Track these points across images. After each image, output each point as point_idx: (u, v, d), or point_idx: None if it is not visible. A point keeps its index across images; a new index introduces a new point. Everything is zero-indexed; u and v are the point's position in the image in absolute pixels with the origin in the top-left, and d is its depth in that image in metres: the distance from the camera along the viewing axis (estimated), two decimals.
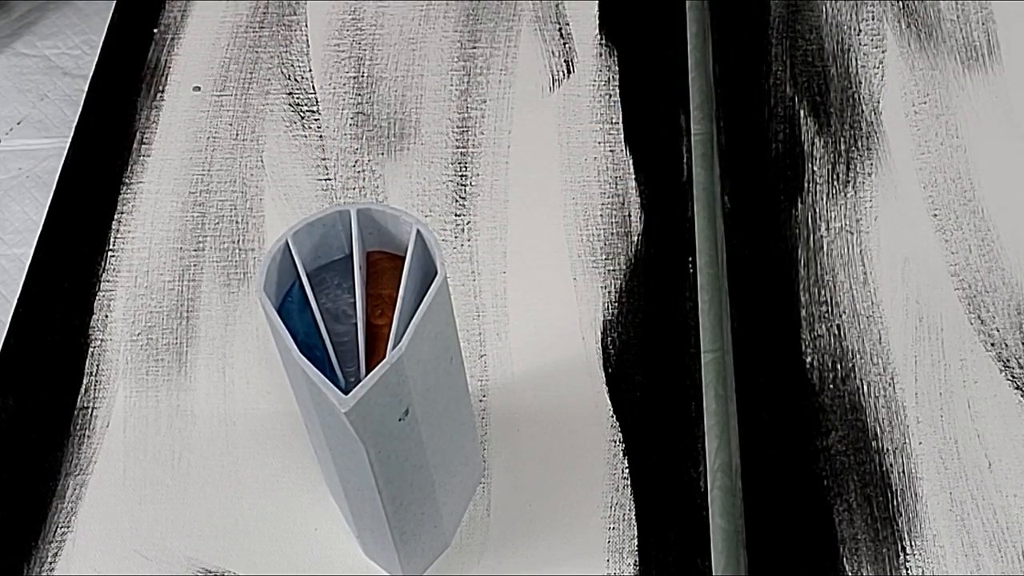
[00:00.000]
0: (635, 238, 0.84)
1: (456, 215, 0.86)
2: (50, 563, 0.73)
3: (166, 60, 0.96)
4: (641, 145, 0.89)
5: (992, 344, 0.78)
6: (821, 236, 0.83)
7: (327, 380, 0.57)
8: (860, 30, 0.93)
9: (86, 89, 0.96)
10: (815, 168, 0.86)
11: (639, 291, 0.82)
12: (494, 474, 0.75)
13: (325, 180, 0.89)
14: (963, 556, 0.70)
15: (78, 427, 0.78)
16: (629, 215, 0.85)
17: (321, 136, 0.91)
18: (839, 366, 0.77)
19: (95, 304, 0.84)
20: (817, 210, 0.84)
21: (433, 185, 0.88)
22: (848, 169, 0.86)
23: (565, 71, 0.93)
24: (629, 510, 0.73)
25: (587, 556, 0.72)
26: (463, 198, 0.87)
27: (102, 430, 0.78)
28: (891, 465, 0.73)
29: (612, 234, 0.84)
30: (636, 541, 0.72)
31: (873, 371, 0.77)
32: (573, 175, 0.88)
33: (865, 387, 0.76)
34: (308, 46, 0.96)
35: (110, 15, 1.01)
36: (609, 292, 0.82)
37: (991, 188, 0.84)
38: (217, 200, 0.88)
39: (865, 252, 0.82)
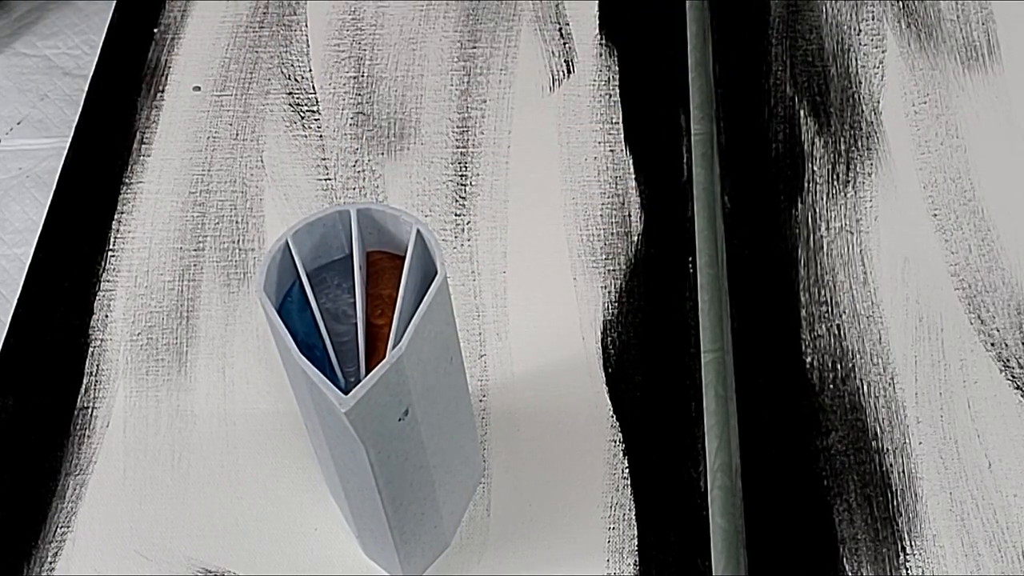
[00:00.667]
0: (635, 238, 0.84)
1: (456, 215, 0.86)
2: (50, 563, 0.73)
3: (166, 60, 0.96)
4: (641, 145, 0.89)
5: (992, 344, 0.78)
6: (821, 236, 0.83)
7: (327, 380, 0.57)
8: (860, 30, 0.93)
9: (86, 89, 0.96)
10: (815, 168, 0.86)
11: (639, 291, 0.82)
12: (494, 474, 0.75)
13: (325, 180, 0.89)
14: (963, 556, 0.70)
15: (78, 427, 0.78)
16: (629, 215, 0.85)
17: (321, 136, 0.91)
18: (839, 366, 0.77)
19: (95, 304, 0.84)
20: (817, 210, 0.84)
21: (433, 185, 0.88)
22: (848, 169, 0.86)
23: (565, 71, 0.93)
24: (629, 510, 0.73)
25: (587, 556, 0.72)
26: (463, 198, 0.87)
27: (102, 430, 0.78)
28: (891, 465, 0.73)
29: (612, 234, 0.84)
30: (636, 541, 0.72)
31: (873, 371, 0.77)
32: (573, 175, 0.88)
33: (865, 387, 0.76)
34: (308, 46, 0.96)
35: (110, 15, 1.01)
36: (609, 292, 0.82)
37: (991, 188, 0.84)
38: (217, 200, 0.88)
39: (865, 252, 0.82)
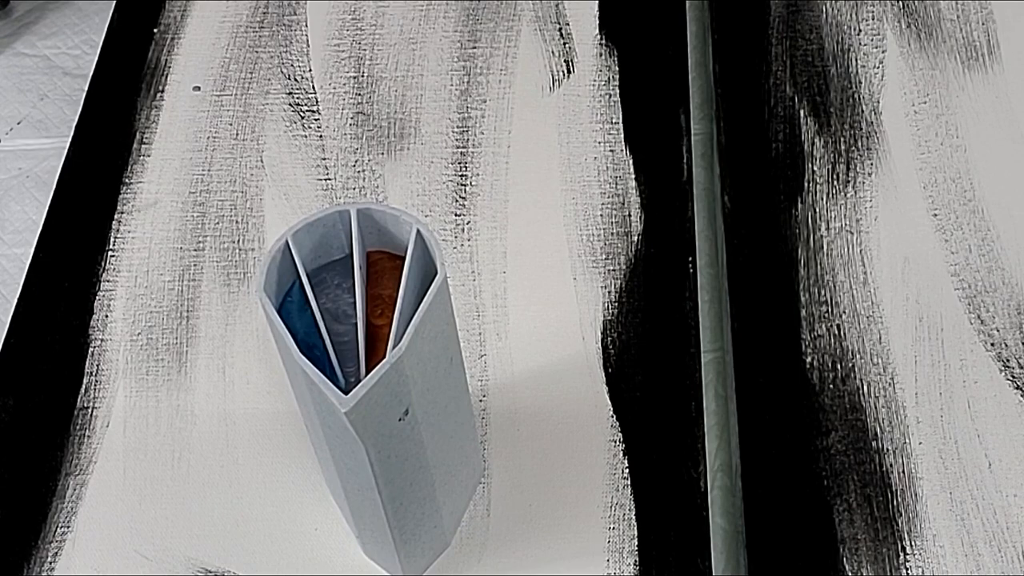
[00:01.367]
0: (635, 238, 0.84)
1: (456, 215, 0.86)
2: (50, 563, 0.73)
3: (166, 60, 0.96)
4: (641, 145, 0.89)
5: (992, 344, 0.78)
6: (821, 236, 0.83)
7: (327, 380, 0.57)
8: (860, 30, 0.93)
9: (86, 89, 0.96)
10: (815, 168, 0.86)
11: (639, 291, 0.82)
12: (494, 474, 0.75)
13: (325, 180, 0.89)
14: (963, 556, 0.70)
15: (78, 427, 0.78)
16: (629, 215, 0.85)
17: (321, 136, 0.91)
18: (839, 366, 0.77)
19: (95, 304, 0.84)
20: (817, 210, 0.84)
21: (433, 185, 0.88)
22: (848, 169, 0.86)
23: (565, 71, 0.93)
24: (629, 510, 0.73)
25: (587, 556, 0.72)
26: (463, 198, 0.87)
27: (102, 430, 0.78)
28: (891, 465, 0.73)
29: (612, 234, 0.84)
30: (636, 541, 0.72)
31: (873, 371, 0.77)
32: (573, 175, 0.88)
33: (865, 387, 0.76)
34: (308, 46, 0.96)
35: (110, 15, 1.01)
36: (609, 292, 0.82)
37: (991, 188, 0.84)
38: (217, 200, 0.88)
39: (865, 252, 0.82)
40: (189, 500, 0.75)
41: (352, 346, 0.62)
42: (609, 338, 0.80)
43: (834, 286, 0.81)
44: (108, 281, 0.85)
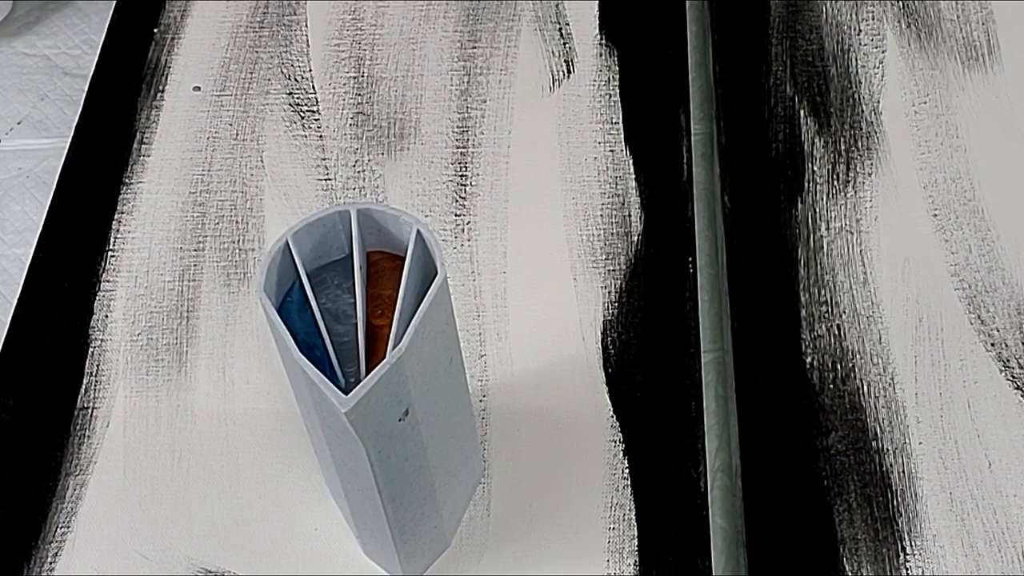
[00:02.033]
0: (635, 238, 0.84)
1: (456, 215, 0.86)
2: (50, 563, 0.73)
3: (166, 60, 0.96)
4: (641, 145, 0.89)
5: (992, 344, 0.78)
6: (821, 236, 0.83)
7: (327, 380, 0.57)
8: (860, 30, 0.93)
9: (86, 89, 0.96)
10: (815, 168, 0.86)
11: (639, 291, 0.82)
12: (494, 474, 0.75)
13: (325, 180, 0.89)
14: (963, 556, 0.70)
15: (78, 427, 0.78)
16: (629, 215, 0.85)
17: (321, 136, 0.91)
18: (839, 366, 0.77)
19: (95, 304, 0.84)
20: (817, 210, 0.84)
21: (433, 185, 0.88)
22: (848, 169, 0.86)
23: (565, 71, 0.93)
24: (629, 510, 0.73)
25: (587, 556, 0.72)
26: (463, 198, 0.87)
27: (102, 430, 0.78)
28: (891, 465, 0.73)
29: (612, 234, 0.84)
30: (636, 541, 0.72)
31: (873, 371, 0.77)
32: (573, 175, 0.88)
33: (865, 387, 0.76)
34: (308, 46, 0.96)
35: (110, 15, 1.01)
36: (609, 292, 0.82)
37: (991, 188, 0.84)
38: (217, 200, 0.88)
39: (865, 252, 0.82)
40: (189, 500, 0.75)
41: (352, 346, 0.62)
42: (609, 338, 0.80)
43: (834, 286, 0.81)
44: (108, 281, 0.85)
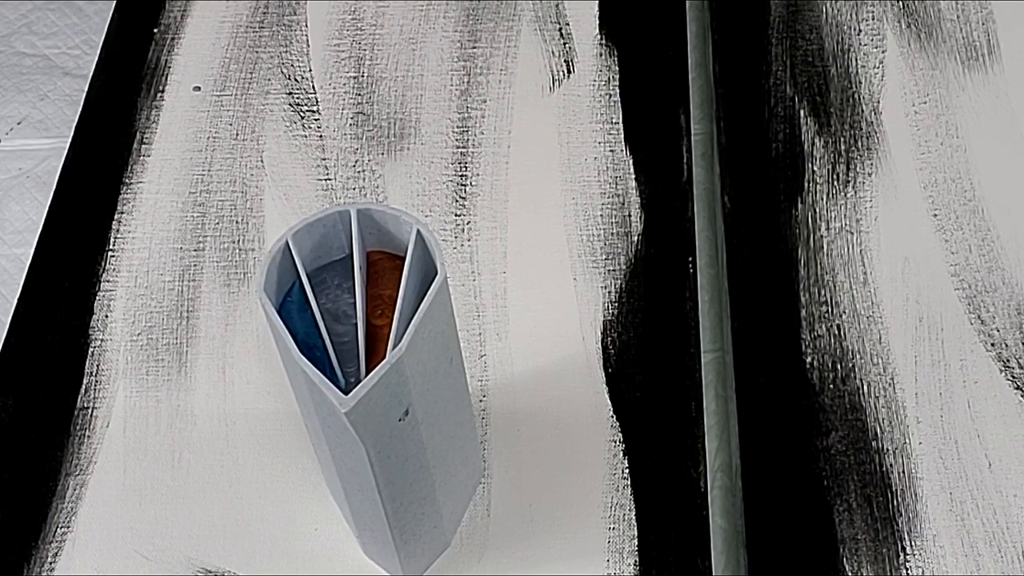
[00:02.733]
0: (635, 238, 0.84)
1: (456, 215, 0.86)
2: (50, 563, 0.73)
3: (166, 60, 0.96)
4: (641, 145, 0.89)
5: (992, 344, 0.78)
6: (821, 236, 0.83)
7: (327, 380, 0.57)
8: (860, 30, 0.93)
9: (86, 89, 0.96)
10: (815, 168, 0.86)
11: (639, 291, 0.82)
12: (494, 474, 0.75)
13: (325, 180, 0.89)
14: (963, 556, 0.70)
15: (78, 427, 0.78)
16: (629, 215, 0.85)
17: (321, 136, 0.91)
18: (839, 366, 0.77)
19: (95, 304, 0.84)
20: (817, 210, 0.84)
21: (433, 185, 0.88)
22: (848, 169, 0.86)
23: (565, 71, 0.93)
24: (629, 510, 0.73)
25: (587, 556, 0.72)
26: (463, 198, 0.87)
27: (102, 430, 0.78)
28: (891, 465, 0.73)
29: (612, 234, 0.84)
30: (636, 541, 0.72)
31: (873, 371, 0.77)
32: (573, 175, 0.88)
33: (865, 387, 0.76)
34: (308, 46, 0.96)
35: (110, 15, 1.01)
36: (609, 292, 0.82)
37: (991, 188, 0.84)
38: (217, 200, 0.88)
39: (865, 252, 0.82)
40: (189, 500, 0.75)
41: (352, 346, 0.62)
42: (609, 338, 0.80)
43: (834, 286, 0.81)
44: (108, 281, 0.85)
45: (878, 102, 0.89)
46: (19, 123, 1.37)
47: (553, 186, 0.87)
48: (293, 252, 0.62)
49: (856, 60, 0.92)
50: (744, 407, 0.76)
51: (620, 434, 0.76)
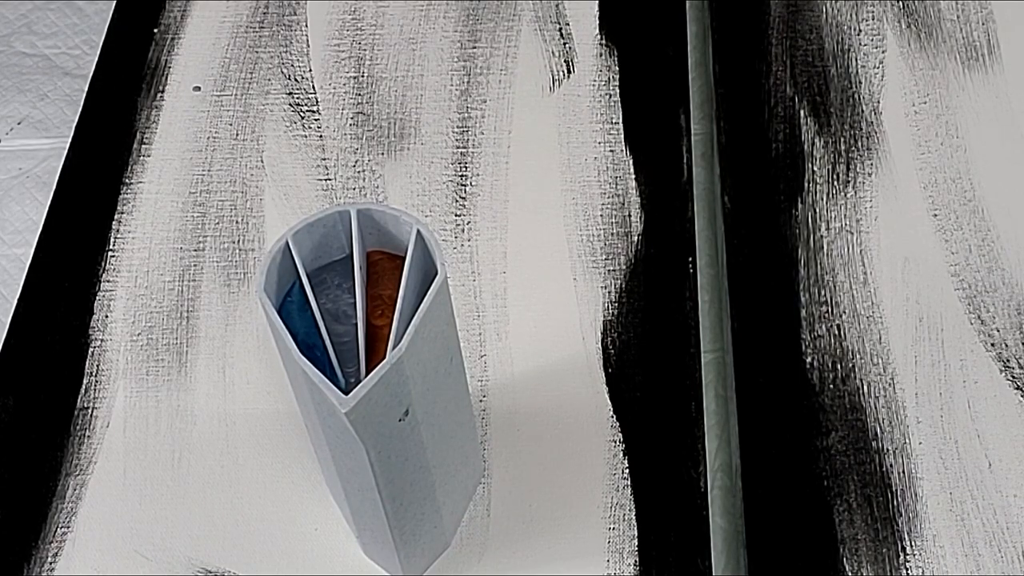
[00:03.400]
0: (635, 238, 0.84)
1: (456, 215, 0.86)
2: (50, 563, 0.73)
3: (166, 60, 0.96)
4: (641, 145, 0.89)
5: (992, 344, 0.78)
6: (821, 236, 0.83)
7: (327, 380, 0.57)
8: (860, 30, 0.93)
9: (86, 89, 0.96)
10: (815, 168, 0.86)
11: (639, 291, 0.82)
12: (494, 474, 0.75)
13: (325, 180, 0.89)
14: (963, 556, 0.70)
15: (78, 427, 0.78)
16: (629, 215, 0.85)
17: (321, 136, 0.91)
18: (839, 366, 0.77)
19: (95, 304, 0.84)
20: (817, 210, 0.84)
21: (433, 185, 0.88)
22: (848, 169, 0.86)
23: (565, 71, 0.93)
24: (629, 510, 0.73)
25: (587, 556, 0.72)
26: (463, 198, 0.87)
27: (102, 430, 0.78)
28: (891, 465, 0.73)
29: (612, 234, 0.84)
30: (636, 541, 0.72)
31: (873, 371, 0.77)
32: (573, 175, 0.88)
33: (865, 387, 0.76)
34: (308, 46, 0.96)
35: (110, 15, 1.01)
36: (609, 292, 0.82)
37: (991, 188, 0.84)
38: (217, 200, 0.88)
39: (865, 252, 0.82)
40: (189, 500, 0.75)
41: (352, 346, 0.62)
42: (609, 338, 0.80)
43: (834, 286, 0.81)
44: (108, 281, 0.85)
45: (878, 102, 0.89)
46: (19, 123, 1.37)
47: (553, 186, 0.87)
48: (293, 252, 0.62)
49: (856, 60, 0.92)
50: (744, 407, 0.76)
51: (620, 434, 0.76)
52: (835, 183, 0.85)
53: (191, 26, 0.98)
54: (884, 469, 0.73)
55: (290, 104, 0.93)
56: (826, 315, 0.79)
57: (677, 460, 0.75)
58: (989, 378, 0.76)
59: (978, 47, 0.92)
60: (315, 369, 0.57)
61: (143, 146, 0.92)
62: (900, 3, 0.95)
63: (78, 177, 0.91)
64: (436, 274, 0.60)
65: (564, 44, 0.95)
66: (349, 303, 0.63)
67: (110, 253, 0.86)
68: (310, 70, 0.95)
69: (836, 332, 0.79)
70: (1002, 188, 0.84)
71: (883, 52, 0.92)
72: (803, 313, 0.80)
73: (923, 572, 0.70)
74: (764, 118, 0.89)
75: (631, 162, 0.88)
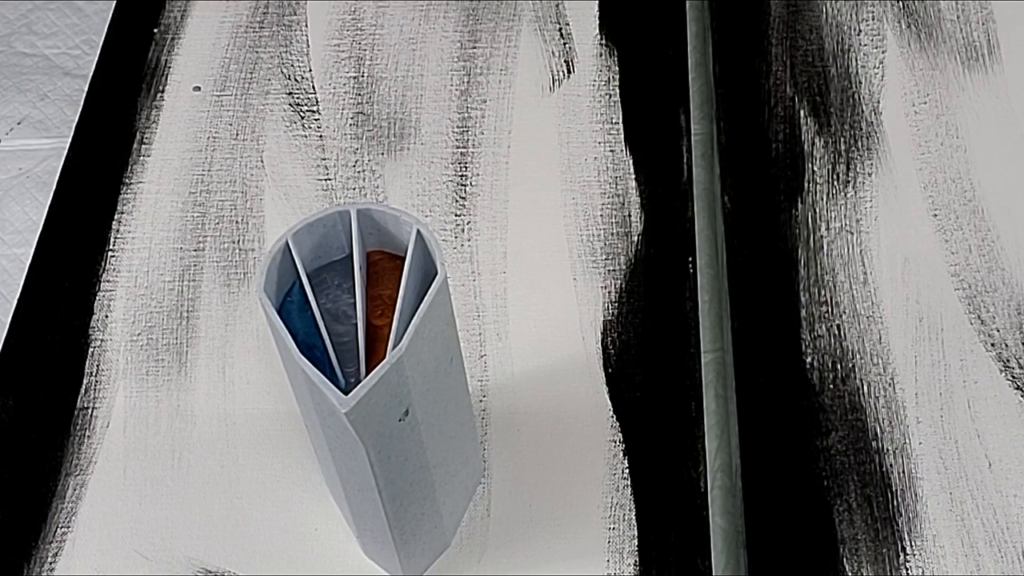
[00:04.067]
0: (635, 238, 0.84)
1: (456, 215, 0.86)
2: (50, 563, 0.73)
3: (166, 60, 0.96)
4: (641, 145, 0.89)
5: (992, 344, 0.78)
6: (821, 236, 0.83)
7: (327, 380, 0.57)
8: (860, 30, 0.93)
9: (86, 89, 0.96)
10: (815, 168, 0.86)
11: (639, 291, 0.82)
12: (494, 474, 0.75)
13: (325, 180, 0.89)
14: (963, 556, 0.70)
15: (78, 427, 0.78)
16: (629, 215, 0.85)
17: (321, 136, 0.91)
18: (839, 366, 0.77)
19: (95, 304, 0.84)
20: (817, 210, 0.84)
21: (433, 185, 0.88)
22: (848, 169, 0.86)
23: (565, 71, 0.93)
24: (629, 510, 0.73)
25: (587, 556, 0.72)
26: (463, 198, 0.87)
27: (102, 430, 0.78)
28: (891, 465, 0.73)
29: (612, 234, 0.84)
30: (636, 541, 0.72)
31: (873, 371, 0.77)
32: (573, 175, 0.88)
33: (865, 387, 0.76)
34: (308, 46, 0.96)
35: (110, 15, 1.01)
36: (609, 292, 0.82)
37: (991, 188, 0.84)
38: (217, 200, 0.88)
39: (865, 252, 0.82)
40: (189, 500, 0.75)
41: (352, 346, 0.62)
42: (609, 338, 0.80)
43: (834, 286, 0.81)
44: (108, 281, 0.85)
45: (878, 102, 0.89)
46: (19, 123, 1.37)
47: (553, 186, 0.87)
48: (293, 252, 0.62)
49: (856, 60, 0.92)
50: (744, 407, 0.76)
51: (620, 434, 0.76)
52: (835, 183, 0.86)
53: (191, 26, 0.98)
54: (884, 469, 0.73)
55: (290, 104, 0.93)
56: (826, 315, 0.79)
57: (677, 460, 0.75)
58: (989, 378, 0.76)
59: (978, 47, 0.92)
60: (315, 369, 0.57)
61: (143, 146, 0.92)
62: (900, 3, 0.95)
63: (78, 177, 0.91)
64: (436, 274, 0.60)
65: (564, 44, 0.95)
66: (349, 303, 0.63)
67: (110, 253, 0.86)
68: (310, 70, 0.95)
69: (836, 332, 0.79)
70: (1002, 188, 0.84)
71: (883, 52, 0.92)
72: (803, 313, 0.80)
73: (923, 572, 0.70)
74: (764, 118, 0.89)
75: (631, 162, 0.88)
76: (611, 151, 0.89)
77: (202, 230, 0.87)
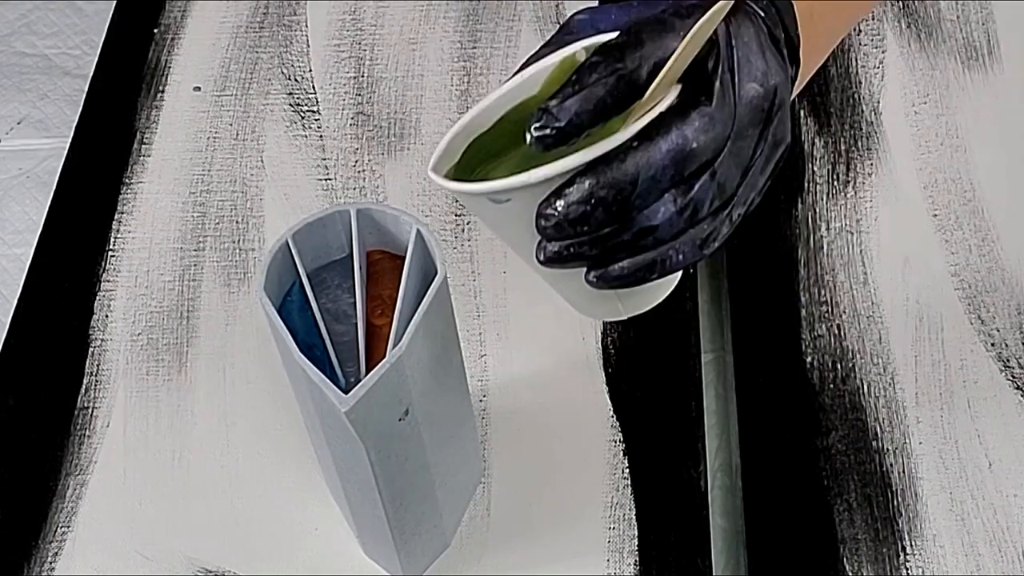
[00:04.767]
0: None
1: (456, 215, 0.86)
2: (50, 563, 0.73)
3: (166, 60, 0.96)
4: None
5: (992, 344, 0.78)
6: (821, 236, 0.83)
7: (327, 380, 0.57)
8: (860, 30, 0.93)
9: (86, 89, 0.96)
10: (815, 168, 0.86)
11: None
12: (494, 474, 0.75)
13: (325, 180, 0.89)
14: (963, 556, 0.70)
15: (78, 427, 0.78)
16: None
17: (321, 136, 0.91)
18: (839, 366, 0.77)
19: (95, 304, 0.84)
20: (817, 210, 0.84)
21: (433, 185, 0.88)
22: (848, 169, 0.86)
23: None
24: (629, 510, 0.73)
25: (587, 556, 0.72)
26: None
27: (102, 430, 0.78)
28: (891, 465, 0.73)
29: None
30: (636, 541, 0.72)
31: (873, 371, 0.77)
32: None
33: (865, 387, 0.76)
34: (308, 46, 0.96)
35: (110, 15, 1.00)
36: None
37: (991, 188, 0.84)
38: (217, 200, 0.88)
39: (865, 252, 0.82)
40: (189, 500, 0.75)
41: (352, 346, 0.62)
42: (609, 338, 0.80)
43: (834, 286, 0.81)
44: (108, 281, 0.85)
45: (878, 102, 0.89)
46: (19, 123, 1.37)
47: None
48: (293, 252, 0.62)
49: (856, 60, 0.92)
50: (744, 407, 0.76)
51: (620, 434, 0.76)
52: (835, 183, 0.85)
53: (191, 26, 0.98)
54: (884, 469, 0.73)
55: (290, 104, 0.93)
56: (826, 315, 0.79)
57: (677, 460, 0.75)
58: (989, 378, 0.76)
59: (978, 47, 0.92)
60: (315, 369, 0.57)
61: (143, 146, 0.92)
62: (900, 3, 0.95)
63: (78, 177, 0.91)
64: (436, 274, 0.60)
65: None
66: (349, 303, 0.63)
67: (110, 253, 0.86)
68: (310, 70, 0.95)
69: (836, 332, 0.79)
70: (1002, 188, 0.84)
71: (883, 52, 0.92)
72: (803, 313, 0.80)
73: (923, 572, 0.70)
74: None
75: None
76: None
77: (202, 230, 0.87)
